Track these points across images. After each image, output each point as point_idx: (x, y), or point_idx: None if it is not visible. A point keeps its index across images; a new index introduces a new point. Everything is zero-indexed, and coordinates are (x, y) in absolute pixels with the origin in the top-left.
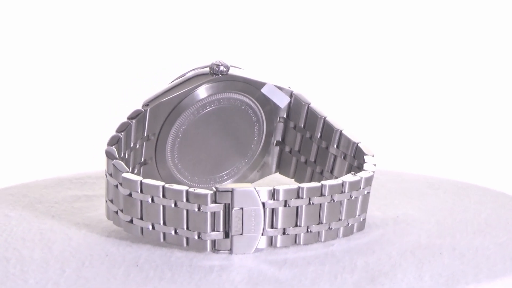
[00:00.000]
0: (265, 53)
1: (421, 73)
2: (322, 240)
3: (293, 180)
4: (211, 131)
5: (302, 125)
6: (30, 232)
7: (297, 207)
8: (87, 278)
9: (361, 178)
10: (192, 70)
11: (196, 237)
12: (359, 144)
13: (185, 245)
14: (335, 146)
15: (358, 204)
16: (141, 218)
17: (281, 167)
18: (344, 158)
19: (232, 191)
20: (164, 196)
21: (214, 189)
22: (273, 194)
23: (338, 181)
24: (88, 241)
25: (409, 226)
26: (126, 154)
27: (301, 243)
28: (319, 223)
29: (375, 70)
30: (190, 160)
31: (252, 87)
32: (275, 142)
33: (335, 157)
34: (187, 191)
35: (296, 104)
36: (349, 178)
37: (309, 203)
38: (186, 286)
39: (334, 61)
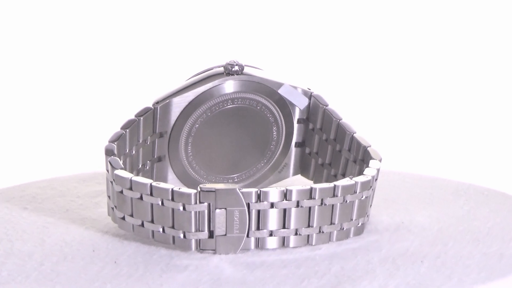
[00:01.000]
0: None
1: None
2: (313, 244)
3: (309, 182)
4: (225, 130)
5: (319, 127)
6: (34, 225)
7: (309, 208)
8: (59, 273)
9: (356, 182)
10: (206, 70)
11: (181, 236)
12: (368, 148)
13: (171, 243)
14: (347, 149)
15: (354, 208)
16: (132, 215)
17: (302, 169)
18: (355, 161)
19: (215, 191)
20: (151, 194)
21: (199, 189)
22: (286, 195)
23: (330, 185)
24: (84, 236)
25: (409, 233)
26: (134, 150)
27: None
28: (308, 226)
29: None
30: (205, 158)
31: (268, 87)
32: (295, 143)
33: (347, 160)
34: (172, 190)
35: (314, 106)
36: (342, 182)
37: (298, 205)
38: (150, 285)
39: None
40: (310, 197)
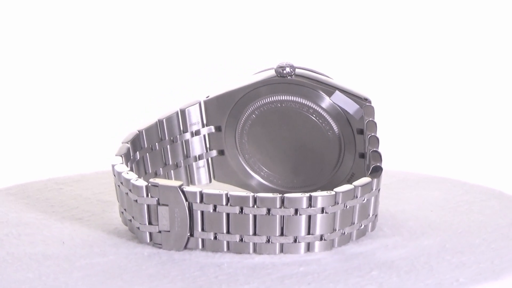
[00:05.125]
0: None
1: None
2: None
3: None
4: (277, 131)
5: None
6: (35, 218)
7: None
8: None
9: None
10: (259, 72)
11: (138, 228)
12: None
13: (134, 233)
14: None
15: (355, 212)
16: (125, 210)
17: None
18: None
19: (158, 186)
20: (122, 183)
21: (148, 183)
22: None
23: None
24: (75, 229)
25: (423, 236)
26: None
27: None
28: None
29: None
30: (261, 158)
31: (319, 93)
32: (359, 154)
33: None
34: (130, 181)
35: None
36: (340, 188)
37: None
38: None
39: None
40: (253, 205)
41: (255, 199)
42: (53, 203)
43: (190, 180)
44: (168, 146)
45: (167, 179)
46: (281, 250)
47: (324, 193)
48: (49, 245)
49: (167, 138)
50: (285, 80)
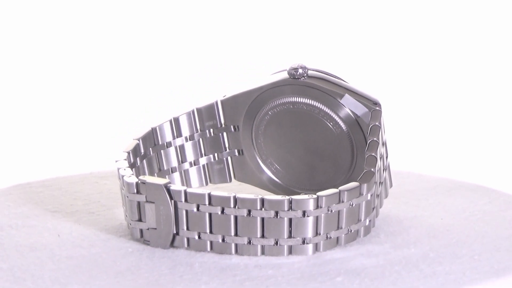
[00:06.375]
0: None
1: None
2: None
3: None
4: (292, 133)
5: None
6: (48, 210)
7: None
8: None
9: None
10: (274, 73)
11: (130, 224)
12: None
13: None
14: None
15: (341, 217)
16: (123, 206)
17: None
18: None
19: (145, 183)
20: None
21: (138, 180)
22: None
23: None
24: (80, 223)
25: (415, 244)
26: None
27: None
28: (236, 235)
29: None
30: (276, 159)
31: (330, 96)
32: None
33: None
34: (124, 180)
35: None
36: (324, 192)
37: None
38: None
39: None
40: (234, 206)
41: (235, 200)
42: (76, 197)
43: (209, 179)
44: (183, 144)
45: (166, 177)
46: (263, 252)
47: (306, 196)
48: (44, 238)
49: (182, 135)
50: (297, 82)
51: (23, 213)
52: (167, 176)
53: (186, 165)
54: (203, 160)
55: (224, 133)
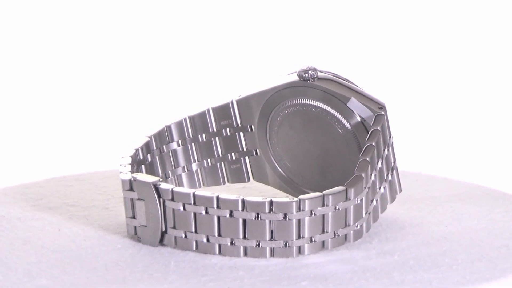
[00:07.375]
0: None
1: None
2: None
3: None
4: (303, 135)
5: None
6: (59, 206)
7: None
8: None
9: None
10: (287, 74)
11: (126, 221)
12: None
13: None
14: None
15: (327, 221)
16: None
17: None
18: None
19: (135, 180)
20: None
21: (132, 177)
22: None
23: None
24: (87, 219)
25: (402, 251)
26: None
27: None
28: (219, 235)
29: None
30: (289, 160)
31: (337, 99)
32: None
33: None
34: (120, 177)
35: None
36: (306, 195)
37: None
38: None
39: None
40: (216, 206)
41: (218, 201)
42: (101, 192)
43: (227, 179)
44: (198, 143)
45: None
46: (245, 254)
47: (287, 199)
48: (43, 231)
49: (197, 134)
50: (307, 83)
51: (39, 206)
52: (179, 176)
53: (201, 164)
54: (218, 160)
55: (241, 133)
